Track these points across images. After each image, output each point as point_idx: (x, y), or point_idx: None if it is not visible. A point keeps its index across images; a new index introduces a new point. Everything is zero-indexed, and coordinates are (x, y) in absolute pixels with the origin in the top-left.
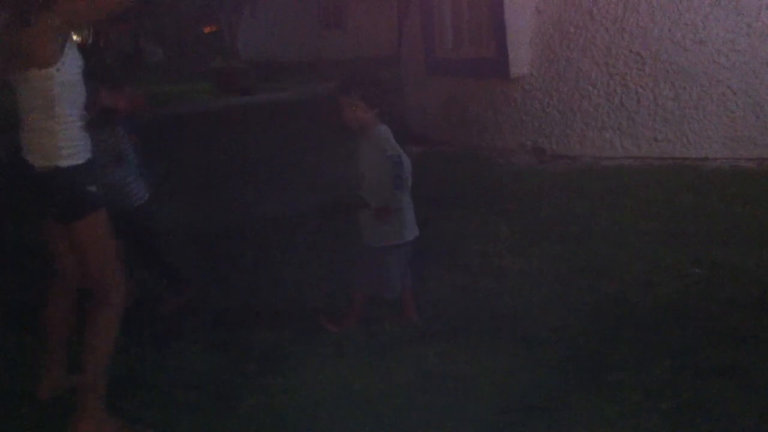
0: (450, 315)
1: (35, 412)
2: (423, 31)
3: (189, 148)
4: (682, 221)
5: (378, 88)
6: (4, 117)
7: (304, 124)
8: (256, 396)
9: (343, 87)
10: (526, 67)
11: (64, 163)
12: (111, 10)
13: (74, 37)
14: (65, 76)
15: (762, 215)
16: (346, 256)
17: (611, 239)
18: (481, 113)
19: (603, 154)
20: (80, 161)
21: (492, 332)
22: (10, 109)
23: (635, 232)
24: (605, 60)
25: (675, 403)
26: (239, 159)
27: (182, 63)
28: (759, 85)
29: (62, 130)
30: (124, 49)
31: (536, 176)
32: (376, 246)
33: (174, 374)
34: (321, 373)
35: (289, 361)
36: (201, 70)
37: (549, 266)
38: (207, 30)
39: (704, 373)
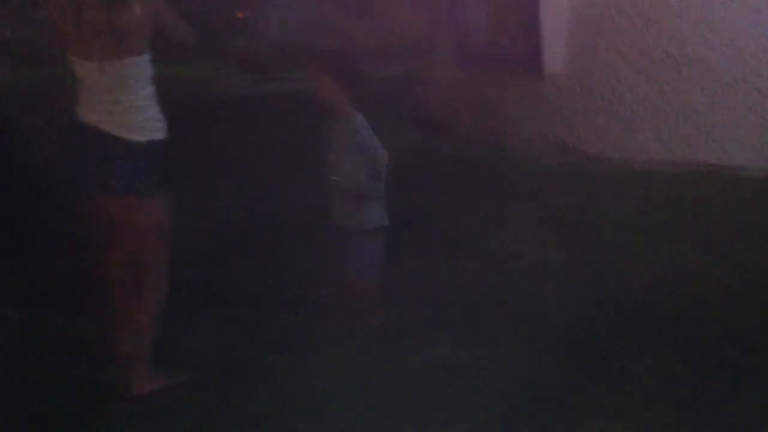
0: (465, 304)
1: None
2: (455, 25)
3: (210, 136)
4: (709, 228)
5: (357, 72)
6: None
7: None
8: (267, 377)
9: (320, 62)
10: (560, 66)
11: (158, 136)
12: None
13: None
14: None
15: None
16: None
17: (636, 242)
18: (511, 111)
19: (634, 157)
20: (159, 137)
21: (508, 322)
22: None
23: (661, 236)
24: (640, 62)
25: (688, 398)
26: (257, 147)
27: (213, 46)
28: None
29: (154, 105)
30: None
31: (564, 176)
32: (355, 230)
33: (186, 352)
34: (333, 358)
35: (301, 345)
36: (231, 54)
37: (571, 265)
38: (240, 15)
39: (720, 372)
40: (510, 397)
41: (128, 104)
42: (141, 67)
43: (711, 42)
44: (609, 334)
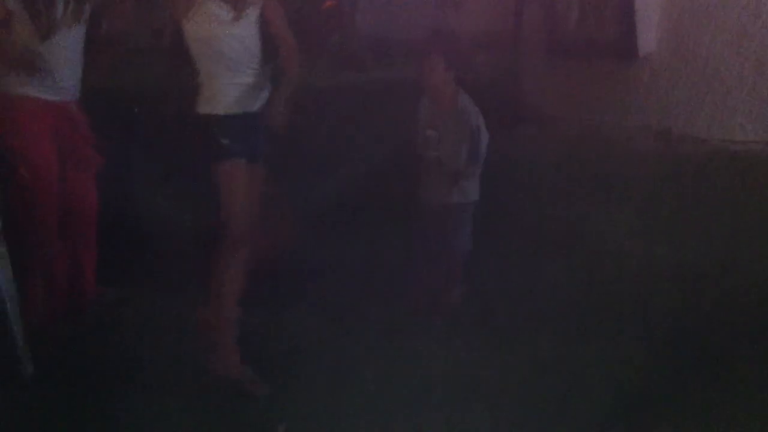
0: (568, 300)
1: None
2: (544, 9)
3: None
4: None
5: (460, 49)
6: None
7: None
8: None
9: (424, 44)
10: (654, 47)
11: (204, 110)
12: None
13: None
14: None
15: None
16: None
17: (738, 229)
18: (603, 94)
19: (732, 138)
20: (219, 112)
21: (608, 317)
22: None
23: (764, 222)
24: (738, 41)
25: None
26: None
27: (300, 38)
28: None
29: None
30: None
31: (660, 159)
32: (451, 203)
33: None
34: (433, 352)
35: (401, 336)
36: (318, 45)
37: (671, 253)
38: (327, 5)
39: None
40: (607, 394)
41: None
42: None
43: None
44: (711, 327)
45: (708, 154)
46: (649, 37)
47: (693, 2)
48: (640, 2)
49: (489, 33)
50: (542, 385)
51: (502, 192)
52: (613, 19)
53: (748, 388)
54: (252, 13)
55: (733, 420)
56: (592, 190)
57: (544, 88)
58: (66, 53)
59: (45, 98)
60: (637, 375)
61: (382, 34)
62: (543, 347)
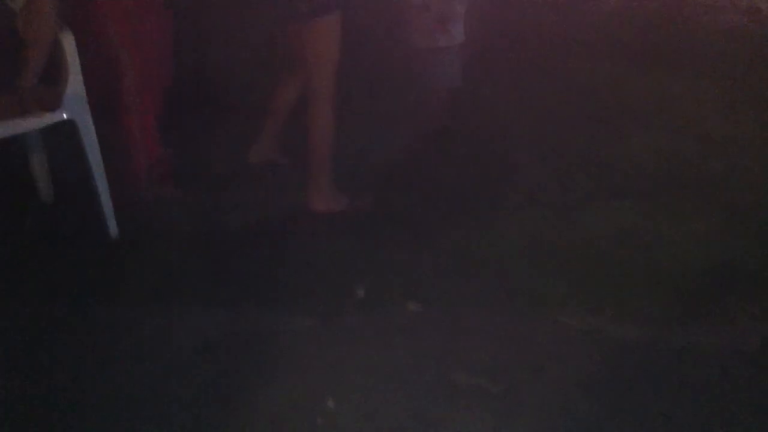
0: (649, 175)
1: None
2: None
3: None
4: None
5: None
6: None
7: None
8: (452, 237)
9: None
10: None
11: None
12: None
13: None
14: None
15: None
16: None
17: None
18: None
19: None
20: None
21: (693, 195)
22: None
23: None
24: None
25: None
26: None
27: None
28: None
29: None
30: None
31: (749, 37)
32: (440, 46)
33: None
34: (513, 223)
35: (481, 208)
36: None
37: (759, 132)
38: None
39: None
40: (693, 271)
41: None
42: None
43: None
44: None
45: None
46: None
47: None
48: None
49: None
50: (623, 256)
51: (584, 66)
52: None
53: None
54: None
55: None
56: (677, 66)
57: None
58: None
59: None
60: (718, 251)
61: None
62: (623, 220)
